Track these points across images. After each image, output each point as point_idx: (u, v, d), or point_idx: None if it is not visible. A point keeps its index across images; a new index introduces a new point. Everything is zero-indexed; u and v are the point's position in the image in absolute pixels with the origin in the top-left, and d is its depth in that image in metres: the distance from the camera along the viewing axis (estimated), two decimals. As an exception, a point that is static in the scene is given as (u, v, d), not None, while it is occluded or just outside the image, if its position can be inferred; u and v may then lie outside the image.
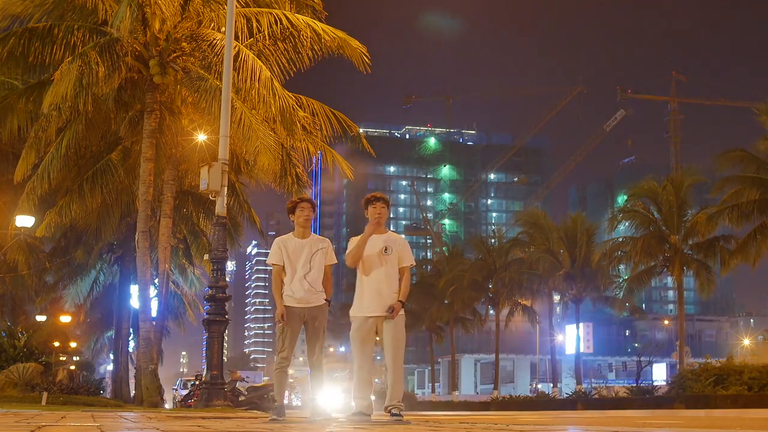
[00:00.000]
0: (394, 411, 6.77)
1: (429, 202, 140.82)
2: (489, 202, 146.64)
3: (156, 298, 19.70)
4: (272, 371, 7.87)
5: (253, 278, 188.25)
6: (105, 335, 37.52)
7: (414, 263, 7.30)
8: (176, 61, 16.12)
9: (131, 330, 28.54)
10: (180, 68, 16.03)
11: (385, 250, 7.00)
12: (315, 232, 7.73)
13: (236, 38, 14.94)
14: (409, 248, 7.19)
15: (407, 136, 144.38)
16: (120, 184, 18.57)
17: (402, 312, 6.98)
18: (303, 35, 16.04)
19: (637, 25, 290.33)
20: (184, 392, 33.85)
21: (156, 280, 19.12)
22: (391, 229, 7.38)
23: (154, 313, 18.41)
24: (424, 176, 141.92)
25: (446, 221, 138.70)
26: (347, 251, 7.11)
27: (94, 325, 36.53)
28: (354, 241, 7.11)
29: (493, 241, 52.02)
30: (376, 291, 6.94)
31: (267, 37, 16.30)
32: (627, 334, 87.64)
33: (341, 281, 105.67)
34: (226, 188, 12.96)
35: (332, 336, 59.58)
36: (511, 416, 13.00)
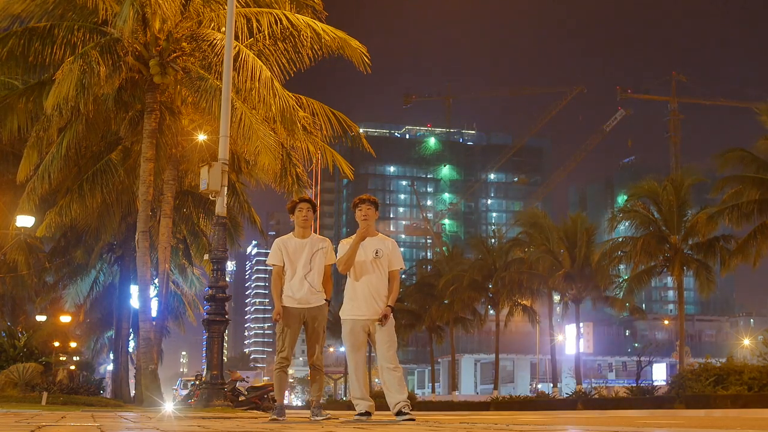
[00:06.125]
0: (404, 410, 6.77)
1: (429, 202, 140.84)
2: (489, 202, 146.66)
3: (156, 298, 19.70)
4: (272, 371, 7.86)
5: (253, 278, 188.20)
6: (105, 335, 37.51)
7: (404, 267, 7.30)
8: (176, 61, 16.12)
9: (131, 330, 28.54)
10: (180, 68, 16.03)
11: (376, 253, 7.01)
12: (315, 232, 7.73)
13: (236, 38, 14.94)
14: (399, 252, 7.19)
15: (407, 136, 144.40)
16: (120, 184, 18.56)
17: (391, 315, 7.01)
18: (303, 35, 16.04)
19: (637, 25, 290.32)
20: (184, 392, 33.86)
21: (156, 280, 19.13)
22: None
23: (154, 313, 18.41)
24: (424, 176, 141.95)
25: (446, 221, 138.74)
26: (338, 257, 7.12)
27: (94, 325, 36.52)
28: (345, 245, 7.12)
29: (493, 241, 52.03)
30: (368, 293, 6.96)
31: (267, 37, 16.30)
32: (627, 334, 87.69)
33: (341, 281, 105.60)
34: (226, 188, 12.95)
35: (332, 336, 59.57)
36: (511, 416, 13.00)
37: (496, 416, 13.46)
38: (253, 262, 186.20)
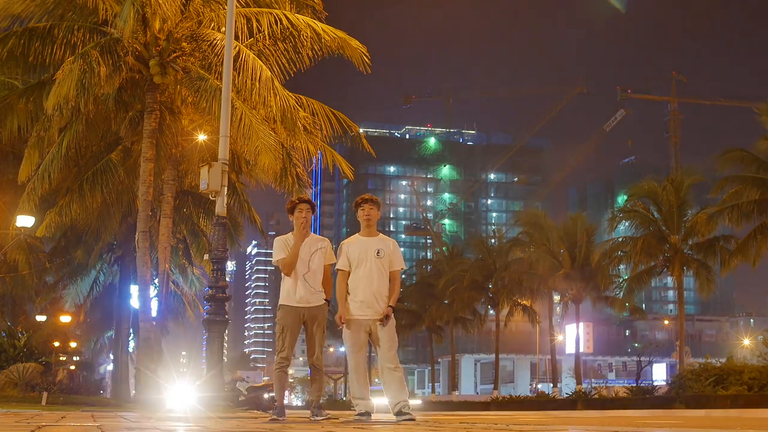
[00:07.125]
0: (404, 410, 6.78)
1: (429, 202, 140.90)
2: (489, 202, 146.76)
3: (156, 298, 19.70)
4: (272, 371, 7.87)
5: (253, 278, 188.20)
6: (105, 335, 37.52)
7: (405, 267, 7.32)
8: (176, 61, 16.10)
9: (131, 330, 28.53)
10: (180, 68, 16.02)
11: (378, 253, 7.01)
12: (315, 232, 7.73)
13: (236, 38, 14.93)
14: (399, 252, 7.20)
15: (407, 136, 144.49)
16: (120, 184, 18.55)
17: (391, 315, 7.02)
18: (303, 35, 16.04)
19: (637, 25, 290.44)
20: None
21: (156, 280, 19.12)
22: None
23: (154, 313, 18.42)
24: (424, 176, 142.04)
25: (446, 221, 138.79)
26: (338, 258, 7.14)
27: (94, 325, 36.52)
28: (345, 245, 7.13)
29: (493, 241, 52.08)
30: (369, 293, 6.96)
31: (267, 37, 16.30)
32: (627, 334, 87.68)
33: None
34: (226, 188, 12.94)
35: (332, 336, 59.59)
36: (511, 416, 13.00)
37: (496, 416, 13.46)
38: (253, 262, 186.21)
